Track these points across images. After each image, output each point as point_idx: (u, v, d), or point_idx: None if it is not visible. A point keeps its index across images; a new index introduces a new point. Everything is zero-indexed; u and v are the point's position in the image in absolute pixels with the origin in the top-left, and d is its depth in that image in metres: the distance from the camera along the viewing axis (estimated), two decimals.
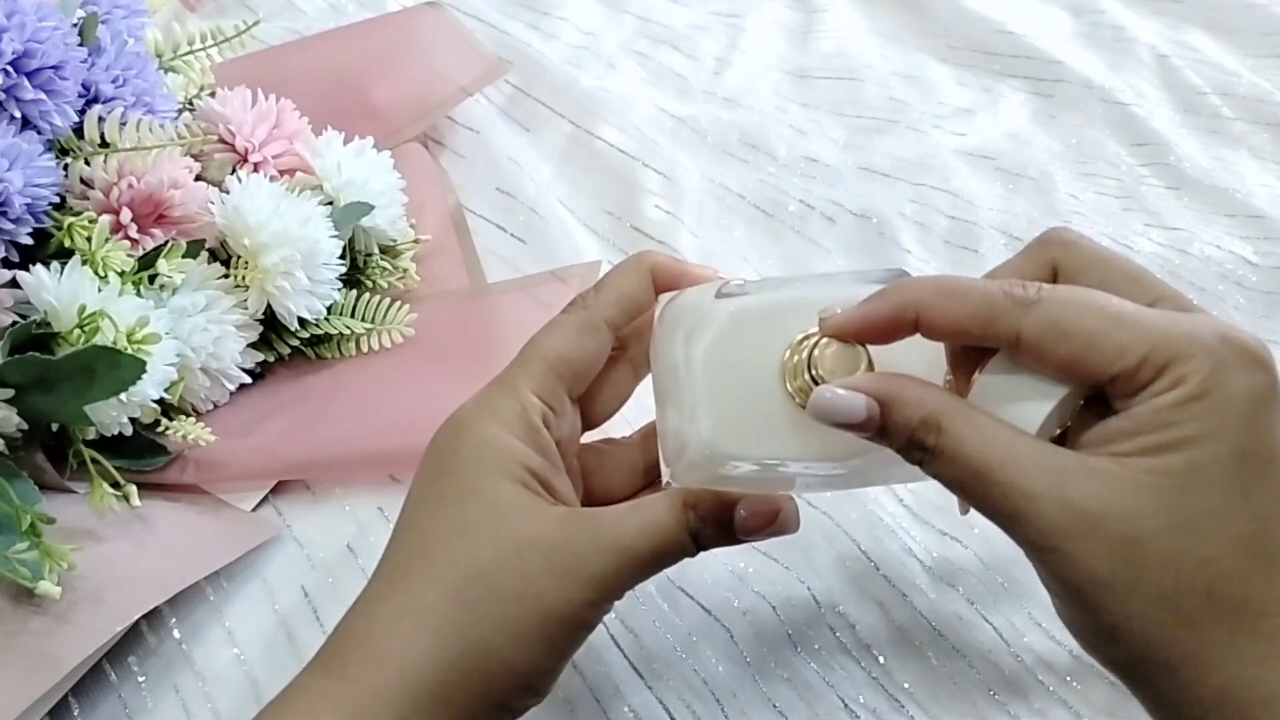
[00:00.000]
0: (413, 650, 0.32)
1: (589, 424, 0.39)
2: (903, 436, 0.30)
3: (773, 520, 0.34)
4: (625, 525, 0.33)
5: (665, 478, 0.35)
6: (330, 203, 0.53)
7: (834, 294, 0.32)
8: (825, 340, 0.32)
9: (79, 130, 0.49)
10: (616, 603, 0.43)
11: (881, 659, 0.42)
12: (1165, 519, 0.28)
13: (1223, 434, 0.28)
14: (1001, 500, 0.29)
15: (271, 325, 0.52)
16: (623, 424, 0.41)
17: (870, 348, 0.32)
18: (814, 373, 0.32)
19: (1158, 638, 0.28)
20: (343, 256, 0.53)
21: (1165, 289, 0.32)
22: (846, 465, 0.33)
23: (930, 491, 0.48)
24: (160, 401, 0.47)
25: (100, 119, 0.49)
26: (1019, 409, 0.31)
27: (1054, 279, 0.33)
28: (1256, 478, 0.29)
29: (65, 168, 0.48)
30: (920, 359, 0.33)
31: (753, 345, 0.33)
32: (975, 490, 0.30)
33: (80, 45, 0.48)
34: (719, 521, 0.33)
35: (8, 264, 0.46)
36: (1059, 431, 0.32)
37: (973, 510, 0.32)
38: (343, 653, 0.33)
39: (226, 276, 0.51)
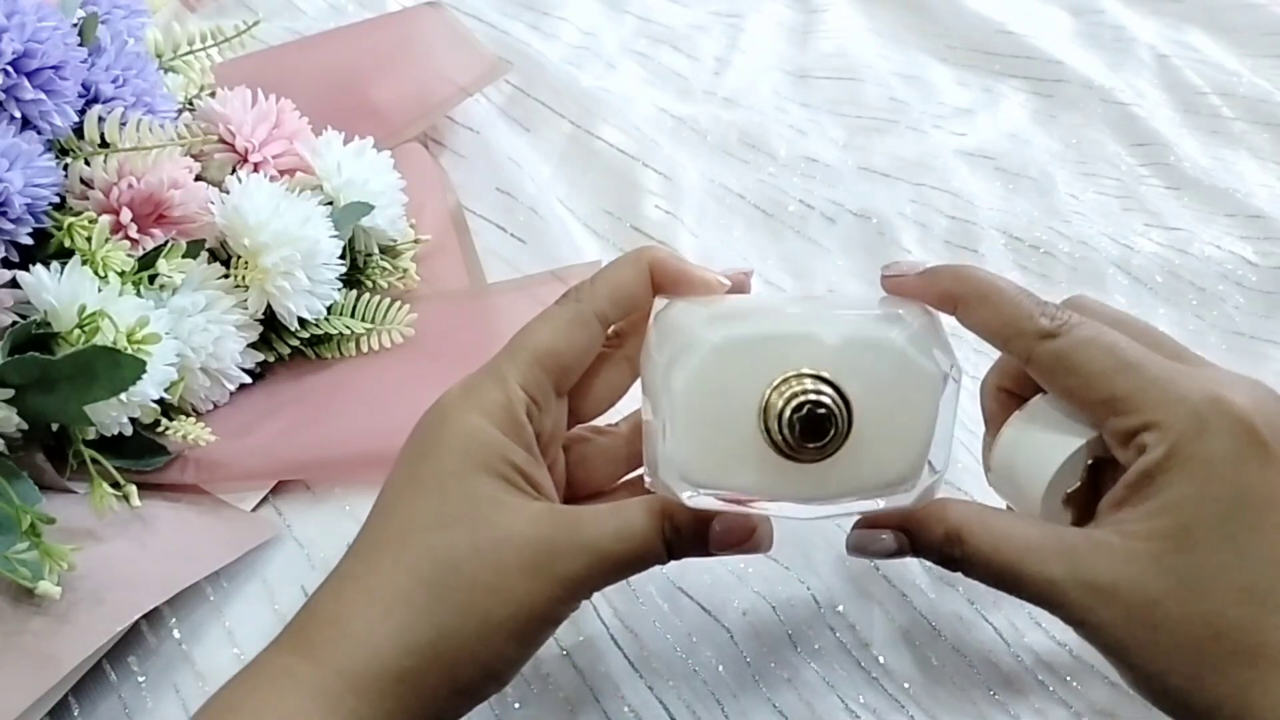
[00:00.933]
0: (381, 635, 0.32)
1: (580, 419, 0.39)
2: (933, 553, 0.34)
3: (748, 538, 0.33)
4: (603, 528, 0.33)
5: (646, 478, 0.35)
6: (330, 203, 0.53)
7: (825, 331, 0.32)
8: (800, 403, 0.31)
9: (79, 130, 0.49)
10: (617, 603, 0.44)
11: (881, 659, 0.42)
12: (1169, 581, 0.31)
13: (1206, 494, 0.31)
14: (1031, 589, 0.32)
15: (271, 325, 0.52)
16: (612, 411, 0.40)
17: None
18: (785, 434, 0.31)
19: (1190, 686, 0.31)
20: (343, 256, 0.53)
21: (1181, 351, 0.35)
22: (814, 508, 0.33)
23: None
24: (160, 401, 0.47)
25: (100, 119, 0.49)
26: (1035, 459, 0.34)
27: None
28: (1248, 530, 0.31)
29: (65, 168, 0.48)
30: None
31: (734, 380, 0.32)
32: (1006, 585, 0.33)
33: (80, 45, 0.48)
34: (694, 534, 0.33)
35: (8, 264, 0.46)
36: (1078, 484, 0.35)
37: None
38: (312, 632, 0.33)
39: (226, 276, 0.51)
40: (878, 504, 0.33)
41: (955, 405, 0.33)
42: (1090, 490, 0.35)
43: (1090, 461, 0.35)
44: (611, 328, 0.38)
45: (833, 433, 0.31)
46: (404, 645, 0.32)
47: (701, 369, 0.32)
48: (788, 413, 0.31)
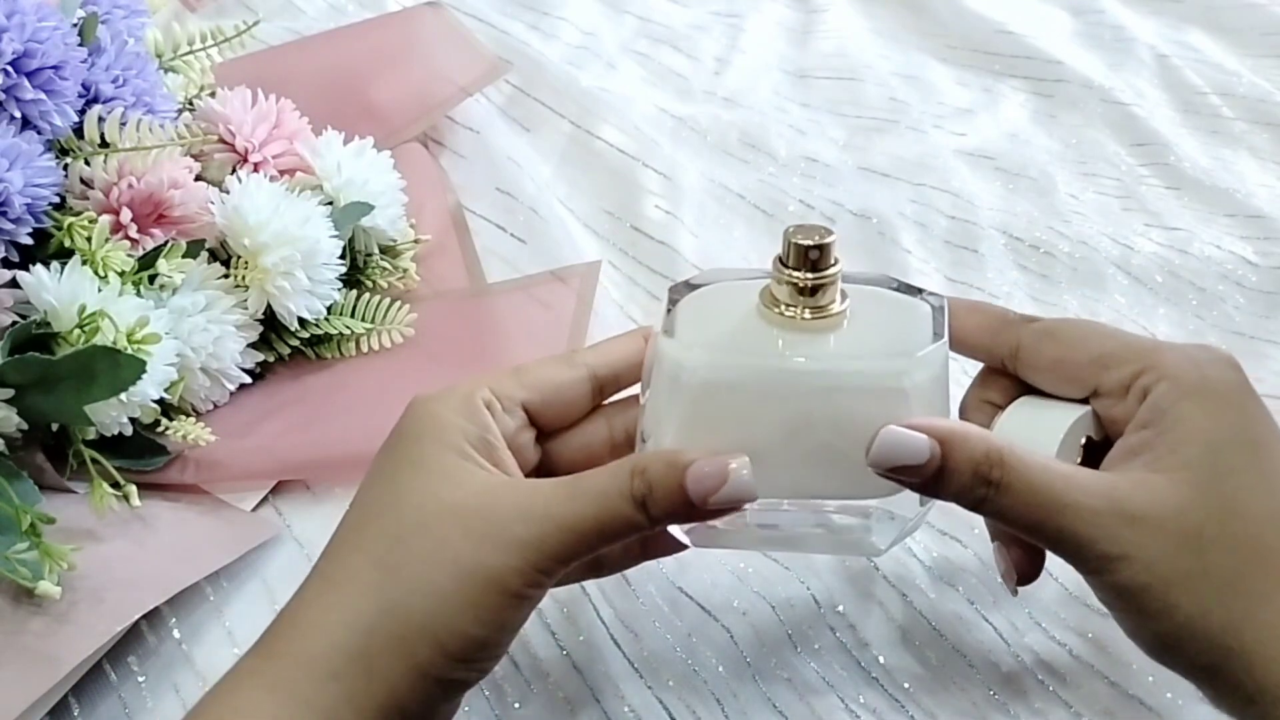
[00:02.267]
0: (333, 617, 0.31)
1: (554, 469, 0.38)
2: (966, 473, 0.31)
3: (725, 474, 0.31)
4: (558, 493, 0.32)
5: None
6: (330, 203, 0.53)
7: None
8: None
9: (79, 130, 0.49)
10: (617, 603, 0.44)
11: (881, 659, 0.42)
12: (1210, 507, 0.31)
13: (1222, 423, 0.32)
14: (1072, 521, 0.31)
15: (271, 325, 0.52)
16: None
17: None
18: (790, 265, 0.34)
19: (1227, 622, 0.30)
20: (343, 256, 0.53)
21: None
22: (809, 512, 0.35)
23: None
24: (160, 401, 0.47)
25: (100, 119, 0.49)
26: (1038, 437, 0.34)
27: None
28: (1264, 457, 0.32)
29: (65, 168, 0.48)
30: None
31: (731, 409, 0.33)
32: (1044, 517, 0.31)
33: (80, 45, 0.48)
34: (671, 487, 0.31)
35: (8, 264, 0.46)
36: (1077, 461, 0.35)
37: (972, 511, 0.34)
38: (273, 630, 0.32)
39: (226, 276, 0.51)
40: (869, 505, 0.34)
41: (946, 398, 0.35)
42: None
43: (1084, 442, 0.35)
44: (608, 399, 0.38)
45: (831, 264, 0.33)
46: (353, 624, 0.31)
47: (694, 408, 0.33)
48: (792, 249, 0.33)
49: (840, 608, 0.44)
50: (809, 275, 0.33)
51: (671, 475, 0.31)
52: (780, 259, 0.34)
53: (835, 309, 0.34)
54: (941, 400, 0.35)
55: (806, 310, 0.34)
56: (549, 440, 0.38)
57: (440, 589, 0.31)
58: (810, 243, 0.33)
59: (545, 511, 0.32)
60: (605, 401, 0.38)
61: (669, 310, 0.35)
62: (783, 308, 0.34)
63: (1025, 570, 0.37)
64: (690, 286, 0.36)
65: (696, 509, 0.32)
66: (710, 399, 0.33)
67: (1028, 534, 0.32)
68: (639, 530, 0.32)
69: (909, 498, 0.35)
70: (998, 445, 0.32)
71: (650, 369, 0.35)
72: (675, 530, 0.36)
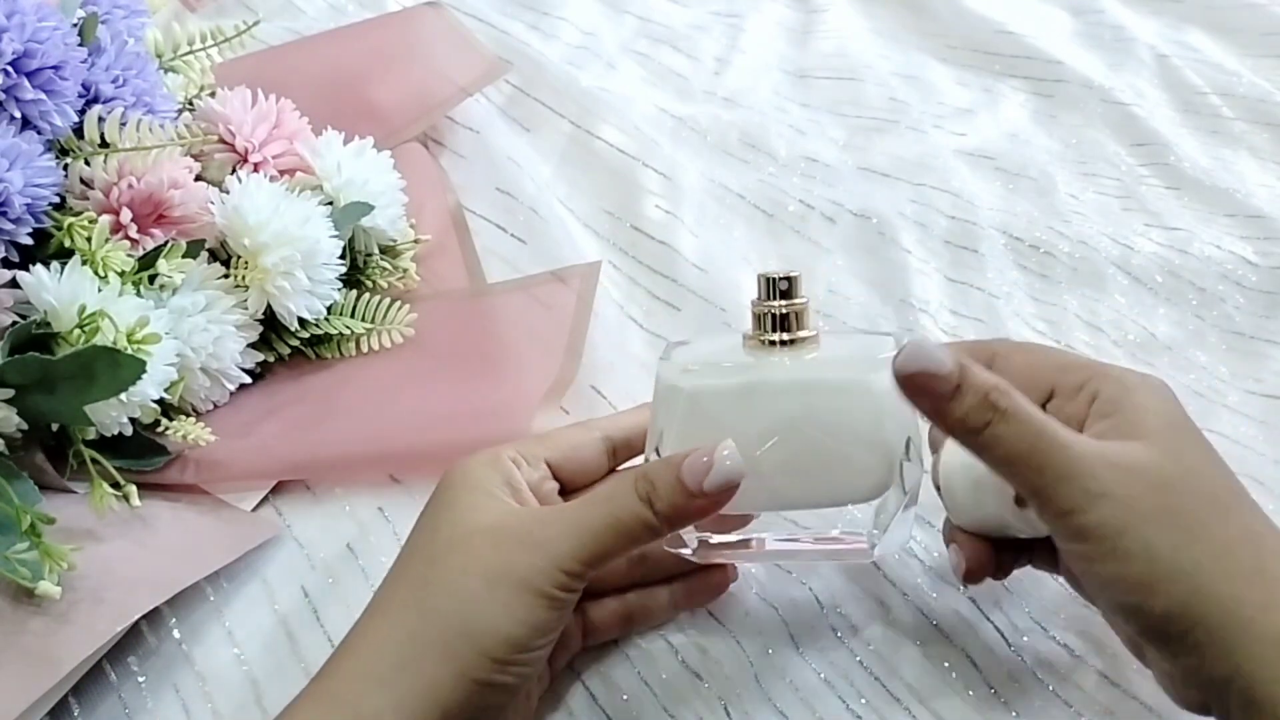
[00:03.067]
0: (379, 633, 0.35)
1: None
2: (979, 394, 0.34)
3: (710, 460, 0.35)
4: (574, 503, 0.36)
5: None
6: (330, 203, 0.53)
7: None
8: None
9: (79, 130, 0.49)
10: None
11: (883, 659, 0.42)
12: (1179, 467, 0.34)
13: (1174, 408, 0.36)
14: (1061, 456, 0.33)
15: (271, 325, 0.52)
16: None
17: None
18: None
19: (1196, 563, 0.32)
20: (343, 256, 0.53)
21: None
22: (801, 529, 0.40)
23: (932, 492, 0.48)
24: (160, 401, 0.47)
25: (100, 119, 0.49)
26: (979, 465, 0.35)
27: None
28: (1208, 444, 0.36)
29: (65, 168, 0.48)
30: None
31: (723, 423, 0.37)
32: (1037, 448, 0.33)
33: (80, 45, 0.48)
34: (671, 483, 0.35)
35: (8, 264, 0.46)
36: (1011, 498, 0.38)
37: None
38: (330, 657, 0.36)
39: (226, 276, 0.51)
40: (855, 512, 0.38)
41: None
42: None
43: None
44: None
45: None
46: (394, 633, 0.34)
47: (686, 426, 0.37)
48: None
49: (841, 608, 0.44)
50: (781, 304, 0.38)
51: (669, 470, 0.35)
52: (756, 297, 0.39)
53: (807, 333, 0.39)
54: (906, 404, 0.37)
55: (783, 334, 0.38)
56: (570, 497, 0.41)
57: (475, 594, 0.34)
58: (780, 275, 0.39)
59: (563, 517, 0.36)
60: (620, 467, 0.42)
61: (665, 354, 0.40)
62: (762, 334, 0.38)
63: (974, 567, 0.40)
64: (683, 342, 0.42)
65: (696, 498, 0.35)
66: (701, 409, 0.37)
67: (1017, 466, 0.34)
68: (649, 528, 0.35)
69: (893, 501, 0.38)
70: (1006, 382, 0.34)
71: (653, 419, 0.39)
72: (682, 550, 0.40)
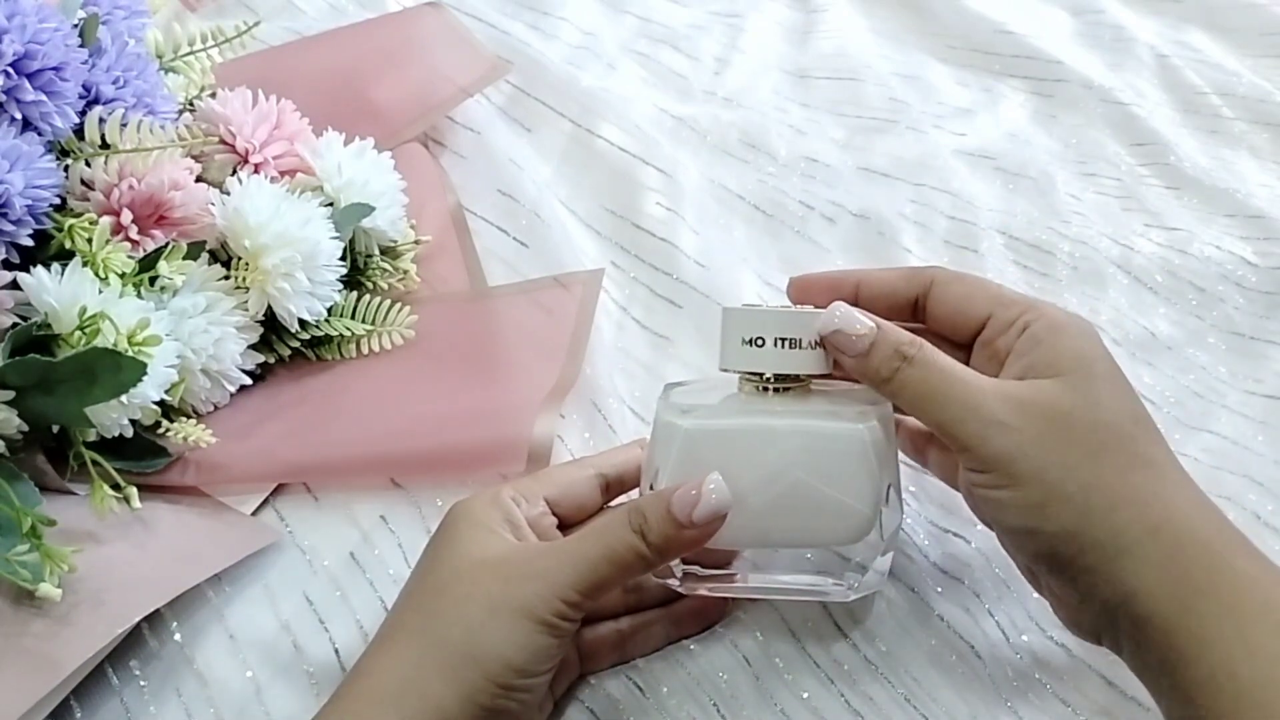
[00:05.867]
0: (388, 658, 0.36)
1: None
2: (890, 346, 0.37)
3: (699, 493, 0.36)
4: (571, 537, 0.38)
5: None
6: (331, 204, 0.53)
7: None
8: None
9: (79, 132, 0.49)
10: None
11: (885, 657, 0.42)
12: (1077, 398, 0.36)
13: (1092, 346, 0.38)
14: (963, 393, 0.36)
15: (272, 327, 0.52)
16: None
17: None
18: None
19: (1087, 483, 0.35)
20: (343, 258, 0.53)
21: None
22: (784, 569, 0.42)
23: (934, 490, 0.48)
24: (161, 403, 0.47)
25: (101, 120, 0.49)
26: None
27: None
28: (1122, 378, 0.38)
29: (66, 169, 0.48)
30: None
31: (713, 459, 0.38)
32: (943, 389, 0.37)
33: (81, 46, 0.48)
34: (662, 515, 0.36)
35: (8, 265, 0.46)
36: None
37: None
38: (342, 683, 0.37)
39: (227, 278, 0.51)
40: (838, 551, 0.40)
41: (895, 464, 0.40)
42: None
43: None
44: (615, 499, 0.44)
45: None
46: (403, 659, 0.36)
47: (683, 462, 0.38)
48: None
49: (843, 605, 0.44)
50: None
51: (660, 502, 0.37)
52: None
53: (799, 382, 0.40)
54: (892, 449, 0.40)
55: (777, 382, 0.40)
56: (568, 532, 0.42)
57: (478, 622, 0.36)
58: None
59: (561, 550, 0.37)
60: (613, 501, 0.44)
61: (664, 393, 0.41)
62: (758, 381, 0.40)
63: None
64: (682, 383, 0.44)
65: (686, 529, 0.36)
66: (697, 448, 0.38)
67: (922, 405, 0.37)
68: (642, 558, 0.36)
69: (872, 545, 0.39)
70: (921, 339, 0.38)
71: (649, 455, 0.41)
72: (670, 580, 0.41)
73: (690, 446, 0.38)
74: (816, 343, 0.39)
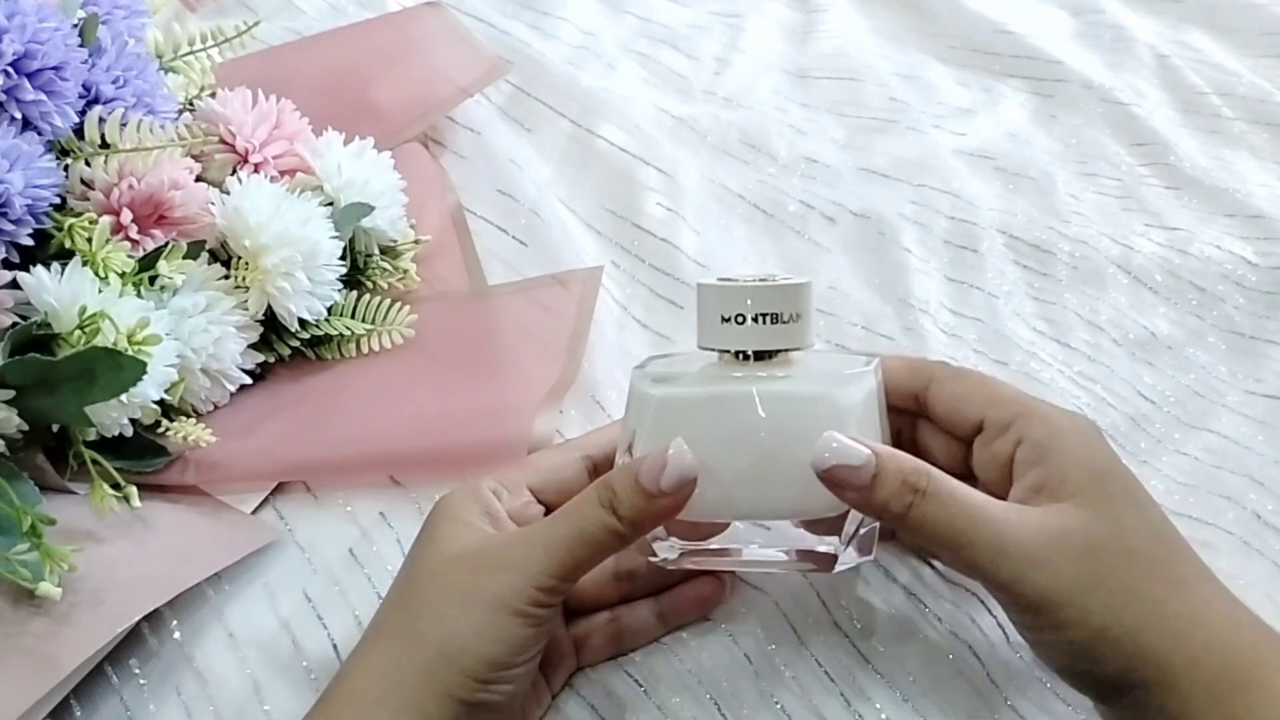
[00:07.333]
0: (369, 658, 0.36)
1: None
2: (895, 482, 0.35)
3: (664, 461, 0.35)
4: (543, 521, 0.37)
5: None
6: (331, 203, 0.53)
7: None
8: None
9: (79, 131, 0.49)
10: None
11: (885, 656, 0.42)
12: (1105, 526, 0.35)
13: (1099, 453, 0.37)
14: (989, 530, 0.35)
15: (272, 326, 0.52)
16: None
17: None
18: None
19: (1134, 625, 0.34)
20: (343, 257, 0.53)
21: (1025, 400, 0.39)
22: (768, 541, 0.40)
23: None
24: (161, 402, 0.47)
25: (100, 120, 0.49)
26: None
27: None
28: (1135, 485, 0.37)
29: (66, 169, 0.48)
30: None
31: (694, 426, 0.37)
32: (967, 527, 0.35)
33: (81, 46, 0.48)
34: (631, 486, 0.35)
35: (8, 265, 0.46)
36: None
37: None
38: (328, 685, 0.37)
39: (227, 277, 0.51)
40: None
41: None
42: None
43: None
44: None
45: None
46: (383, 658, 0.36)
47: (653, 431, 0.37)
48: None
49: (843, 604, 0.44)
50: None
51: (628, 474, 0.36)
52: None
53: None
54: (873, 421, 0.38)
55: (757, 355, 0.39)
56: None
57: (452, 617, 0.35)
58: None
59: (533, 536, 0.37)
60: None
61: (641, 364, 0.40)
62: (733, 351, 0.39)
63: None
64: (662, 355, 0.43)
65: (656, 498, 0.35)
66: (670, 416, 0.37)
67: (947, 544, 0.35)
68: (615, 534, 0.36)
69: (854, 515, 0.38)
70: (924, 465, 0.35)
71: (623, 426, 0.40)
72: (652, 558, 0.40)
73: (663, 416, 0.37)
74: (797, 315, 0.38)
